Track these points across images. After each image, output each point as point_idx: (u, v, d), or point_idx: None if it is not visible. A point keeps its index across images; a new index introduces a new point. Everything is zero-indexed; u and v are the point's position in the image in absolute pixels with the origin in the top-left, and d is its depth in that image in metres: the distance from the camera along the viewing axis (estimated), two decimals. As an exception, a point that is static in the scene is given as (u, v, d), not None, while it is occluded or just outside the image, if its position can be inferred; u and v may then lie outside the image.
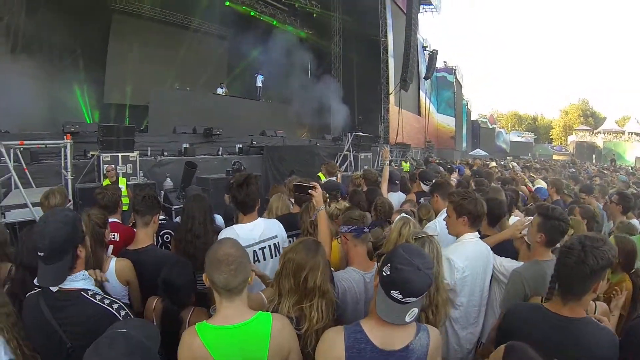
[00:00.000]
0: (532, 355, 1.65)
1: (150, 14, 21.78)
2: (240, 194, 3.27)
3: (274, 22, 26.66)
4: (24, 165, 8.01)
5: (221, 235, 3.23)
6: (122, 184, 8.65)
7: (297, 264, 2.33)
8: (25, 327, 2.12)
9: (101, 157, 10.61)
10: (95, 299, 2.09)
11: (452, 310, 2.95)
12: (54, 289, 2.05)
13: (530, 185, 7.71)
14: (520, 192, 6.59)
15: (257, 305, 2.53)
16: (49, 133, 12.25)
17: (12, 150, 7.69)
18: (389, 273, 1.82)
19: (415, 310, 1.83)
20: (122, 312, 2.10)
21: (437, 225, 3.88)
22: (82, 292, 2.10)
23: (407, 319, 1.81)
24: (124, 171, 10.82)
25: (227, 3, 23.87)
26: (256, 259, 3.25)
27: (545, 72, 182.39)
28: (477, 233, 3.23)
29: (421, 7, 29.97)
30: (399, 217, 3.37)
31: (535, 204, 5.42)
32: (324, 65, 27.16)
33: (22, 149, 8.07)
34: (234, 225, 3.41)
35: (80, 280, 2.13)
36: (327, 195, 4.80)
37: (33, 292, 2.12)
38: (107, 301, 2.10)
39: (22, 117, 13.61)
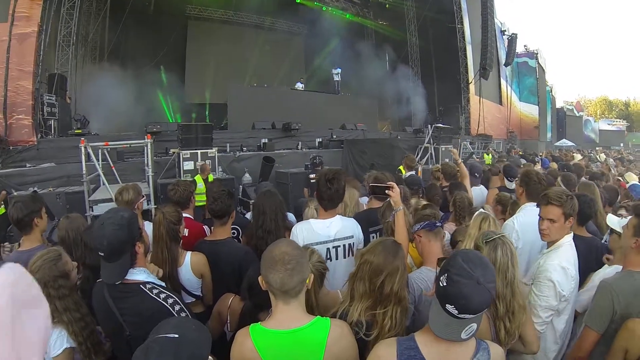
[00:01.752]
0: None
1: (224, 17, 22.99)
2: (330, 189, 3.22)
3: (347, 16, 26.59)
4: (111, 163, 8.55)
5: (297, 228, 3.28)
6: (199, 181, 9.05)
7: (374, 267, 2.23)
8: (96, 315, 2.33)
9: (181, 154, 10.98)
10: (152, 293, 2.19)
11: (556, 320, 2.78)
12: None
13: (622, 180, 6.86)
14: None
15: (332, 302, 2.55)
16: (135, 133, 13.09)
17: (99, 151, 8.33)
18: (445, 284, 1.67)
19: (474, 327, 1.67)
20: (177, 307, 2.17)
21: (516, 223, 3.57)
22: (141, 285, 2.20)
23: (464, 335, 1.66)
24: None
25: (298, 0, 24.10)
26: (328, 257, 3.19)
27: (637, 51, 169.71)
28: (572, 234, 2.94)
29: (497, -12, 28.65)
30: (477, 212, 3.18)
31: (631, 203, 4.71)
32: (402, 56, 26.68)
33: (108, 149, 8.56)
34: (311, 220, 3.41)
35: (141, 274, 2.25)
36: (409, 190, 4.84)
37: (98, 281, 2.28)
38: (162, 295, 2.19)
39: (112, 121, 14.75)
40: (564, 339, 2.84)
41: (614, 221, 3.02)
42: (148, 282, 2.23)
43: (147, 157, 8.67)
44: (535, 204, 3.31)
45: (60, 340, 2.27)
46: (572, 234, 2.90)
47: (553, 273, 2.70)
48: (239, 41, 22.85)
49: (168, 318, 1.74)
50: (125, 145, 9.88)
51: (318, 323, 1.95)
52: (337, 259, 3.20)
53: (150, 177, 8.37)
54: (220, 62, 21.59)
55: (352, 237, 3.29)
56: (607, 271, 2.88)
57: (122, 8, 18.27)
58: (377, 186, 3.28)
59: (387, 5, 27.18)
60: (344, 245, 3.24)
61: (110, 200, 6.79)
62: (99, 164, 7.98)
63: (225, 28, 22.86)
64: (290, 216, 4.49)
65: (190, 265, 3.11)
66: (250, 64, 22.76)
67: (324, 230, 3.21)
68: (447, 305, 1.64)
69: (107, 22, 18.18)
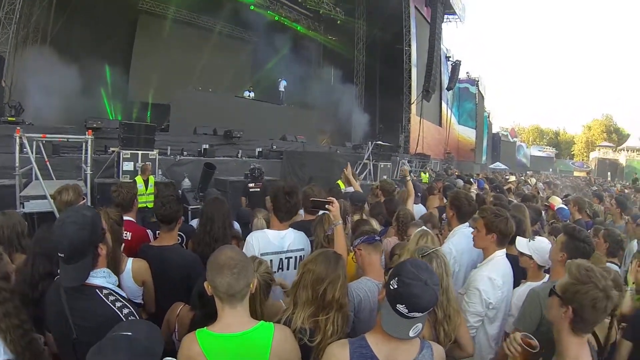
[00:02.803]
0: None
1: (176, 15, 22.30)
2: (289, 202, 3.29)
3: (298, 28, 26.82)
4: (45, 157, 8.14)
5: (253, 237, 3.27)
6: (140, 182, 8.86)
7: (316, 275, 2.32)
8: (46, 313, 2.16)
9: (121, 153, 10.63)
10: (108, 300, 2.07)
11: (489, 327, 3.07)
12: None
13: (550, 203, 7.53)
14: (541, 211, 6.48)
15: (275, 312, 2.56)
16: (72, 127, 12.35)
17: (34, 142, 7.80)
18: (396, 287, 1.81)
19: (420, 326, 1.82)
20: (131, 318, 2.06)
21: (453, 248, 3.72)
22: (97, 290, 2.07)
23: (411, 333, 1.80)
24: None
25: (252, 7, 24.15)
26: (280, 267, 3.27)
27: (568, 86, 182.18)
28: (504, 250, 3.24)
29: (445, 16, 29.77)
30: (418, 229, 3.38)
31: (562, 224, 5.21)
32: (347, 73, 27.22)
33: (44, 141, 8.18)
34: (266, 229, 3.44)
35: (100, 277, 2.11)
36: (353, 206, 4.87)
37: (57, 279, 2.13)
38: (118, 304, 2.06)
39: (47, 110, 13.85)
40: (497, 344, 3.07)
41: (522, 243, 3.28)
42: (105, 288, 2.11)
43: (87, 154, 8.34)
44: (467, 224, 3.67)
45: None
46: (503, 250, 3.21)
47: (480, 282, 3.01)
48: (189, 43, 22.41)
49: (120, 323, 1.79)
50: (62, 139, 9.32)
51: (262, 327, 2.01)
52: (288, 269, 3.27)
53: (88, 175, 8.09)
54: (167, 61, 21.04)
55: (303, 249, 3.37)
56: (521, 289, 3.12)
57: None
58: (318, 201, 3.43)
59: (338, 22, 27.61)
60: (296, 257, 3.32)
61: (43, 197, 6.50)
62: (33, 157, 7.45)
63: (176, 27, 22.30)
64: (235, 224, 4.53)
65: (131, 272, 2.94)
66: (198, 67, 22.39)
67: (278, 240, 3.28)
68: (397, 305, 1.78)
69: (54, 5, 16.97)
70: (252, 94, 21.96)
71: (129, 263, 2.96)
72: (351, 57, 27.53)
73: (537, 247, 3.22)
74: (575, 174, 52.32)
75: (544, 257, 3.15)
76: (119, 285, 2.46)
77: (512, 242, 3.55)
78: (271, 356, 1.95)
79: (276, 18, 25.63)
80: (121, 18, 19.90)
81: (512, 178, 16.81)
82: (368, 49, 27.39)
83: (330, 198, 3.33)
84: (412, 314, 1.77)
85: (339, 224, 3.16)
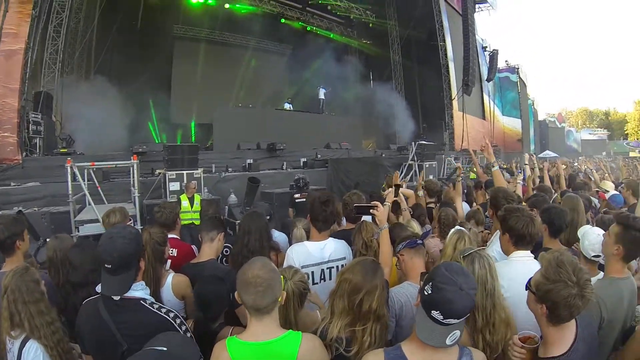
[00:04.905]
0: None
1: (209, 36, 22.97)
2: (325, 212, 3.35)
3: (332, 35, 26.89)
4: (97, 183, 8.65)
5: (292, 250, 3.35)
6: (184, 200, 9.10)
7: (353, 285, 2.27)
8: (81, 331, 2.29)
9: (167, 175, 11.04)
10: (154, 308, 2.23)
11: None
12: (116, 297, 2.19)
13: (600, 190, 6.97)
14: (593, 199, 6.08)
15: (311, 322, 2.63)
16: (120, 153, 12.90)
17: (85, 171, 8.38)
18: (430, 292, 1.78)
19: (457, 333, 1.77)
20: (178, 321, 2.24)
21: (497, 255, 3.42)
22: (141, 301, 2.24)
23: (448, 341, 1.75)
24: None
25: (283, 20, 24.48)
26: (322, 277, 3.31)
27: (614, 62, 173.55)
28: (529, 252, 2.88)
29: (477, 5, 29.15)
30: (453, 230, 3.17)
31: (613, 213, 4.76)
32: (385, 74, 27.13)
33: (94, 169, 8.64)
34: (306, 242, 3.48)
35: (139, 290, 2.27)
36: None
37: (91, 298, 2.29)
38: (164, 310, 2.24)
39: (97, 140, 14.43)
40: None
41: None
42: (147, 299, 2.28)
43: (134, 177, 8.76)
44: None
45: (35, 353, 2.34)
46: (526, 252, 2.87)
47: None
48: (225, 61, 22.92)
49: (167, 332, 1.91)
50: (111, 166, 9.87)
51: (290, 336, 2.02)
52: (330, 279, 3.27)
53: (136, 197, 8.47)
54: (206, 82, 21.63)
55: (345, 258, 3.38)
56: None
57: (110, 27, 18.35)
58: (362, 206, 3.41)
59: (370, 25, 27.56)
60: (337, 267, 3.31)
61: (96, 221, 6.83)
62: (84, 184, 8.04)
63: (211, 48, 22.86)
64: (281, 235, 4.64)
65: (171, 287, 3.12)
66: (236, 84, 22.88)
67: (318, 252, 3.30)
68: (432, 311, 1.74)
69: (94, 41, 18.13)
70: (291, 106, 22.11)
71: (169, 278, 3.16)
72: (387, 59, 27.27)
73: (584, 239, 3.01)
74: (631, 154, 49.79)
75: (594, 250, 2.92)
76: (159, 299, 2.81)
77: (555, 235, 3.39)
78: None
79: (308, 28, 25.82)
80: (158, 45, 20.59)
81: (562, 166, 16.12)
82: (403, 49, 27.10)
83: (374, 202, 3.26)
84: (447, 320, 1.72)
85: (385, 227, 3.10)
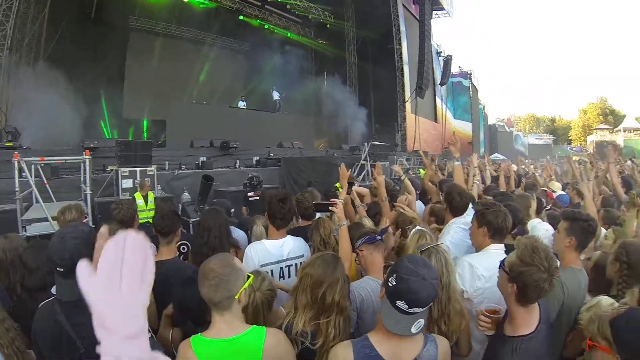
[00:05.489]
0: None
1: (166, 30, 22.29)
2: (283, 209, 3.34)
3: (289, 34, 26.88)
4: (45, 180, 8.22)
5: (251, 249, 3.32)
6: (139, 198, 8.88)
7: (315, 279, 2.31)
8: (36, 334, 2.15)
9: (119, 172, 10.71)
10: None
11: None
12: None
13: (548, 190, 7.44)
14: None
15: (276, 318, 2.60)
16: (70, 148, 12.41)
17: (33, 166, 7.93)
18: (394, 283, 1.84)
19: (422, 322, 1.84)
20: None
21: (450, 244, 3.51)
22: None
23: (414, 330, 1.82)
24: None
25: (241, 17, 24.27)
26: (281, 275, 3.32)
27: (562, 72, 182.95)
28: (503, 246, 3.03)
29: (434, 12, 29.86)
30: (414, 229, 3.23)
31: (560, 211, 5.15)
32: (340, 76, 27.20)
33: (42, 164, 8.28)
34: (264, 240, 3.47)
35: None
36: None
37: (47, 301, 2.16)
38: None
39: (44, 133, 13.77)
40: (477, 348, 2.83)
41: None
42: None
43: (85, 174, 8.46)
44: (464, 217, 3.59)
45: None
46: (501, 245, 3.00)
47: (458, 266, 2.89)
48: (180, 56, 22.42)
49: None
50: (60, 161, 9.53)
51: (254, 331, 2.04)
52: (289, 277, 3.31)
53: (88, 195, 8.22)
54: (160, 77, 21.02)
55: (303, 256, 3.41)
56: None
57: (62, 14, 17.31)
58: (321, 203, 3.48)
59: (328, 25, 27.68)
60: (296, 264, 3.35)
61: (45, 219, 6.59)
62: (32, 181, 7.59)
63: (167, 42, 22.28)
64: (240, 232, 4.64)
65: None
66: (191, 80, 22.46)
67: (277, 250, 3.32)
68: (397, 302, 1.80)
69: (45, 28, 16.98)
70: (245, 104, 21.97)
71: None
72: (343, 59, 27.55)
73: (532, 233, 3.23)
74: (574, 158, 51.95)
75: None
76: None
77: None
78: (264, 359, 1.97)
79: (266, 26, 25.73)
80: (112, 37, 19.78)
81: (514, 167, 16.79)
82: (359, 50, 27.43)
83: (333, 200, 3.30)
84: (412, 309, 1.79)
85: (343, 224, 3.13)
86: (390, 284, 1.85)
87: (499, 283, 2.27)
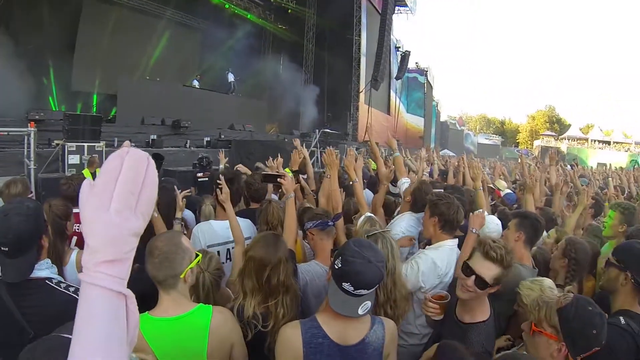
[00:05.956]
0: (463, 354, 1.76)
1: (122, 1, 21.27)
2: (230, 188, 3.28)
3: (249, 16, 26.57)
4: None
5: (198, 229, 3.35)
6: (88, 176, 8.60)
7: (258, 262, 2.33)
8: None
9: (66, 146, 10.16)
10: (61, 287, 2.03)
11: (418, 309, 2.93)
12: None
13: (495, 188, 7.70)
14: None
15: (224, 301, 2.62)
16: (12, 120, 11.83)
17: None
18: (340, 266, 1.86)
19: (369, 304, 1.86)
20: None
21: (398, 229, 3.72)
22: (47, 281, 2.04)
23: (360, 311, 1.84)
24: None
25: (203, -6, 23.72)
26: (228, 257, 3.35)
27: (514, 78, 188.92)
28: (456, 240, 3.17)
29: (396, 8, 30.31)
30: (363, 216, 3.26)
31: (512, 212, 5.33)
32: (296, 62, 27.30)
33: None
34: (211, 221, 3.50)
35: (44, 269, 2.07)
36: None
37: None
38: (72, 289, 2.02)
39: None
40: (425, 332, 2.98)
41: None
42: (53, 278, 2.06)
43: (29, 147, 8.19)
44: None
45: None
46: (455, 241, 3.14)
47: (423, 262, 2.96)
48: (136, 29, 21.43)
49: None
50: (2, 133, 9.14)
51: (200, 310, 2.03)
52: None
53: (32, 170, 7.95)
54: (113, 49, 20.11)
55: (250, 237, 3.23)
56: None
57: None
58: (270, 175, 3.48)
59: (289, 11, 27.59)
60: None
61: None
62: None
63: (123, 13, 21.17)
64: (188, 212, 4.46)
65: (75, 265, 2.84)
66: (145, 55, 21.64)
67: (224, 231, 3.27)
68: (343, 283, 1.81)
69: None
70: (198, 83, 21.67)
71: (74, 255, 2.89)
72: (301, 46, 27.55)
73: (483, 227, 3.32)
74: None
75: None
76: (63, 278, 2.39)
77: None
78: (210, 338, 1.99)
79: (226, 6, 25.26)
80: (65, 3, 18.60)
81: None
82: (317, 38, 27.45)
83: (281, 172, 3.39)
84: (358, 291, 1.81)
85: (290, 196, 3.13)
86: (336, 267, 1.89)
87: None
